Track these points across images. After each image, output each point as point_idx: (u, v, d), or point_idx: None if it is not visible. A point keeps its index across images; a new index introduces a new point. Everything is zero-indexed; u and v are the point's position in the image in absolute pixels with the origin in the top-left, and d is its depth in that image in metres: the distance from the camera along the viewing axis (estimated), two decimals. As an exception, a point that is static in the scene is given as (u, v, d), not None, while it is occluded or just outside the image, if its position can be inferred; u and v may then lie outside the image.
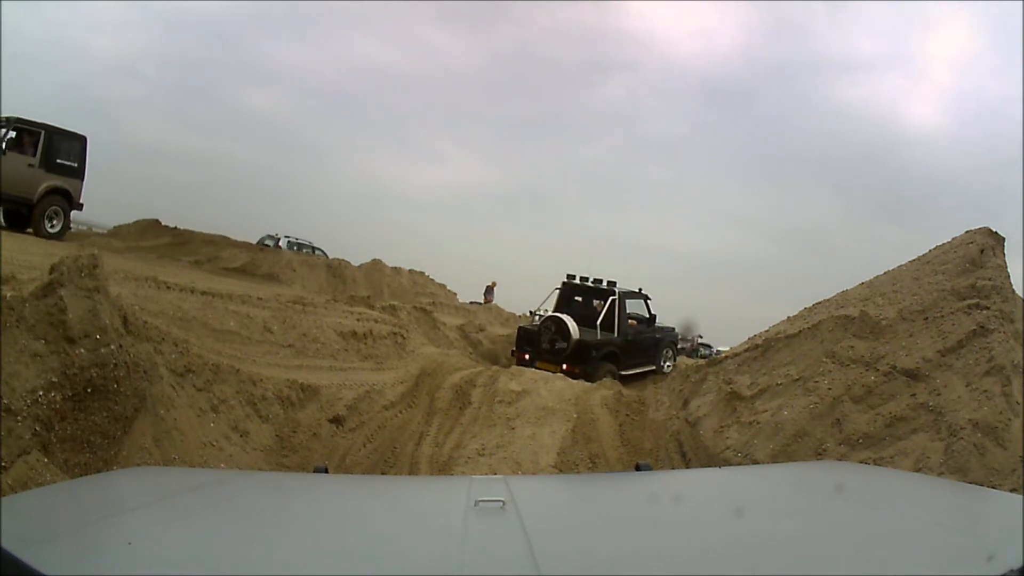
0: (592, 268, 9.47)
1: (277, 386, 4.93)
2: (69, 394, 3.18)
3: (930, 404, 4.33)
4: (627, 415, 5.90)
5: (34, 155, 9.38)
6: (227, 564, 0.85)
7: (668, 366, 9.60)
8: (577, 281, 9.42)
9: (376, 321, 7.01)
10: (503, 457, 4.93)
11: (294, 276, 12.38)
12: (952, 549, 0.91)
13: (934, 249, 5.61)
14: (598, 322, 8.70)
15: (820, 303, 6.01)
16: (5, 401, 2.88)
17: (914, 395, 4.45)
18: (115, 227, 14.02)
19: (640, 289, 9.53)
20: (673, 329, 10.39)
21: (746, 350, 5.94)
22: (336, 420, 5.15)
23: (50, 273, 3.44)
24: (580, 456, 5.13)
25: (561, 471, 4.82)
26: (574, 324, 8.47)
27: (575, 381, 6.81)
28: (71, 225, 10.36)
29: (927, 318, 4.89)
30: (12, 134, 9.23)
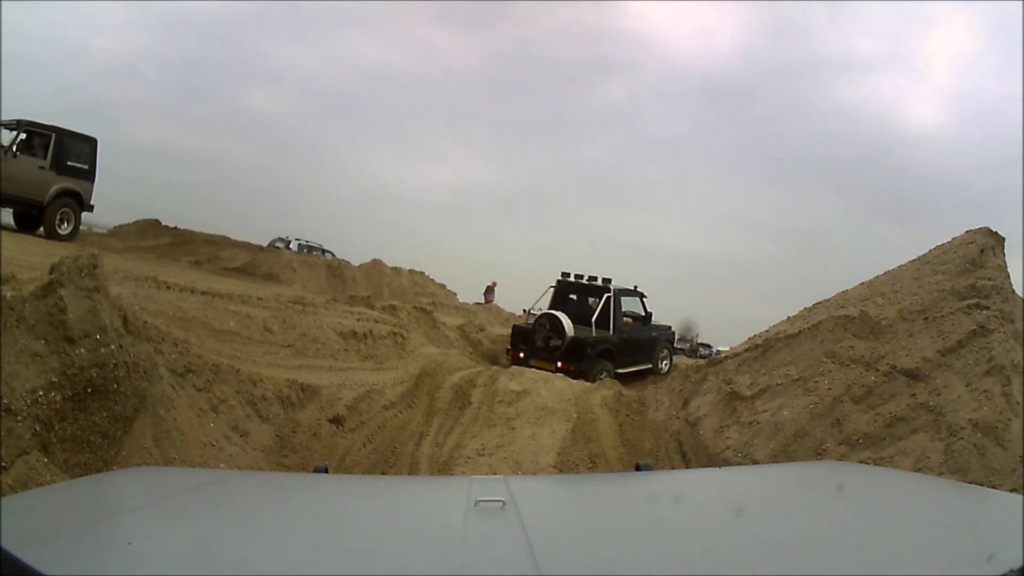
0: (592, 268, 9.51)
1: (277, 386, 4.93)
2: (69, 394, 3.18)
3: (930, 404, 4.33)
4: (627, 415, 5.90)
5: (45, 157, 9.47)
6: (227, 564, 0.85)
7: (664, 366, 9.54)
8: (572, 279, 9.35)
9: (376, 321, 7.01)
10: (503, 457, 4.93)
11: (294, 276, 12.38)
12: (952, 549, 0.91)
13: (934, 249, 5.61)
14: (593, 319, 8.62)
15: (820, 303, 6.01)
16: (5, 401, 2.88)
17: (914, 395, 4.45)
18: (115, 227, 14.02)
19: (636, 287, 9.48)
20: (669, 328, 10.31)
21: (746, 350, 5.94)
22: (336, 420, 5.15)
23: (50, 273, 3.44)
24: (580, 456, 5.13)
25: (561, 471, 4.82)
26: (568, 321, 8.41)
27: (575, 381, 6.80)
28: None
29: (927, 318, 4.89)
30: (22, 137, 9.32)
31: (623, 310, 9.13)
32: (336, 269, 13.97)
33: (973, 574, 0.82)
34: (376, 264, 15.60)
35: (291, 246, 17.16)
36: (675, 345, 11.03)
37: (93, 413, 3.29)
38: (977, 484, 3.44)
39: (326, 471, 1.69)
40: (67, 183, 9.67)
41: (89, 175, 10.02)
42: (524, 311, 9.79)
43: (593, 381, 7.38)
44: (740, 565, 0.88)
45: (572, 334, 8.34)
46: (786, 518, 1.13)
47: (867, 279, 5.93)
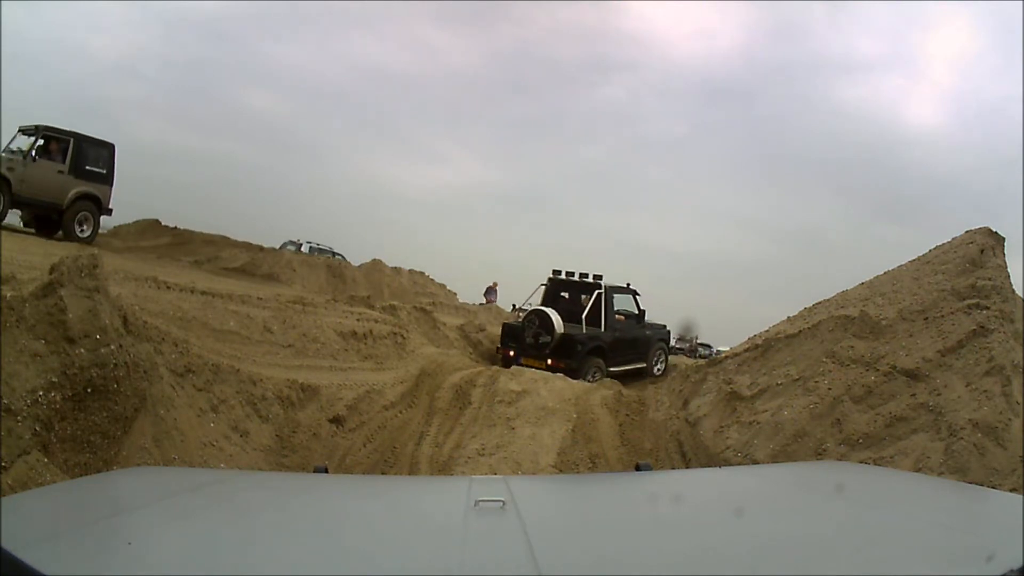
0: (592, 268, 9.35)
1: (277, 386, 4.93)
2: (69, 394, 3.18)
3: (930, 404, 4.33)
4: (627, 415, 5.90)
5: (63, 162, 9.71)
6: (227, 564, 0.85)
7: (659, 367, 9.31)
8: (563, 276, 9.23)
9: (376, 321, 7.01)
10: (503, 457, 4.93)
11: (294, 276, 12.38)
12: (952, 549, 0.91)
13: (934, 249, 5.61)
14: (583, 316, 8.48)
15: (820, 303, 6.01)
16: (5, 401, 2.88)
17: (914, 395, 4.45)
18: (115, 227, 14.01)
19: (628, 284, 9.35)
20: (664, 327, 10.08)
21: (746, 350, 5.94)
22: (336, 420, 5.15)
23: (50, 273, 3.44)
24: (580, 456, 5.13)
25: (561, 471, 4.82)
26: (558, 317, 8.27)
27: (575, 381, 6.79)
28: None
29: (927, 318, 4.89)
30: (41, 142, 9.53)
31: (616, 308, 9.00)
32: (336, 269, 13.98)
33: (973, 574, 0.82)
34: (376, 264, 15.61)
35: (302, 248, 17.56)
36: (675, 345, 10.97)
37: (93, 413, 3.29)
38: (977, 484, 3.44)
39: (326, 471, 1.69)
40: (86, 187, 9.92)
41: (107, 179, 10.30)
42: (513, 307, 9.70)
43: (584, 379, 7.31)
44: (740, 565, 0.88)
45: (561, 331, 8.20)
46: (786, 518, 1.13)
47: (867, 279, 5.93)
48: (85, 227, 10.05)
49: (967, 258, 5.14)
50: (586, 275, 9.06)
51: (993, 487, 3.59)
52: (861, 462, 4.05)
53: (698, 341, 19.49)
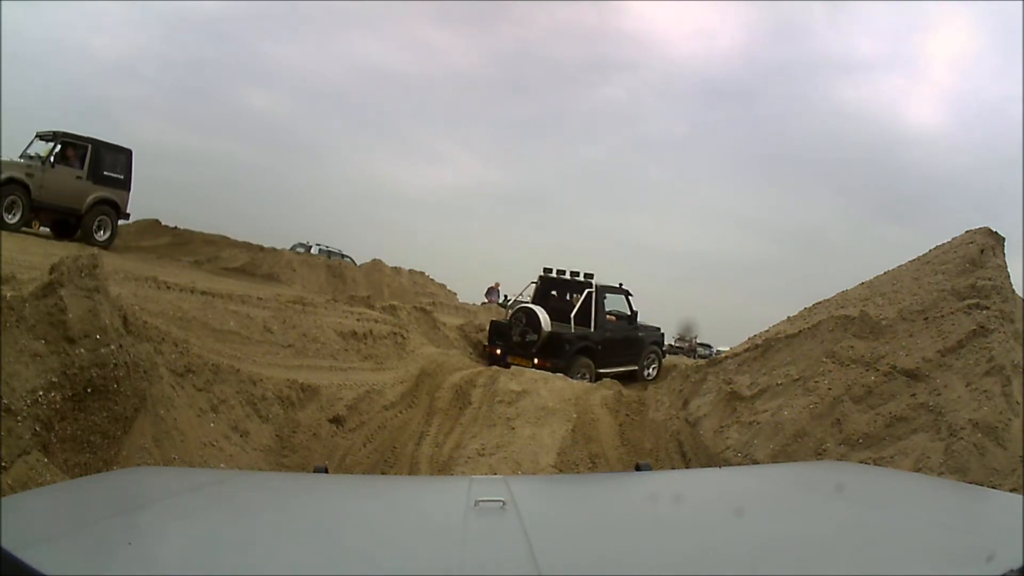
0: (592, 268, 9.27)
1: (277, 386, 4.93)
2: (69, 394, 3.18)
3: (930, 404, 4.33)
4: (627, 415, 5.90)
5: (81, 168, 9.89)
6: (227, 564, 0.85)
7: (651, 371, 9.07)
8: (554, 274, 9.09)
9: (376, 321, 7.01)
10: (503, 457, 4.93)
11: (294, 276, 12.39)
12: (952, 549, 0.91)
13: (934, 249, 5.61)
14: (572, 315, 8.29)
15: (820, 303, 6.01)
16: (5, 401, 2.88)
17: (914, 395, 4.45)
18: (115, 227, 14.02)
19: (621, 284, 9.17)
20: (659, 329, 9.77)
21: (746, 350, 5.94)
22: (336, 420, 5.15)
23: (50, 273, 3.44)
24: (580, 456, 5.13)
25: (561, 471, 4.82)
26: (545, 315, 8.11)
27: (575, 381, 6.78)
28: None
29: (927, 318, 4.89)
30: (59, 148, 9.69)
31: (608, 308, 8.83)
32: (336, 269, 14.00)
33: (973, 574, 0.82)
34: (376, 264, 15.63)
35: (312, 250, 17.92)
36: (674, 344, 10.88)
37: (93, 413, 3.30)
38: (977, 484, 3.45)
39: (326, 471, 1.69)
40: (103, 192, 10.11)
41: (125, 184, 10.50)
42: (500, 304, 9.58)
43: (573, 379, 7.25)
44: (740, 565, 0.88)
45: (548, 329, 8.04)
46: (786, 518, 1.13)
47: (867, 279, 5.92)
48: (103, 231, 10.25)
49: (967, 258, 5.14)
50: (577, 273, 8.90)
51: (993, 487, 3.59)
52: (861, 462, 4.05)
53: (698, 341, 19.49)
